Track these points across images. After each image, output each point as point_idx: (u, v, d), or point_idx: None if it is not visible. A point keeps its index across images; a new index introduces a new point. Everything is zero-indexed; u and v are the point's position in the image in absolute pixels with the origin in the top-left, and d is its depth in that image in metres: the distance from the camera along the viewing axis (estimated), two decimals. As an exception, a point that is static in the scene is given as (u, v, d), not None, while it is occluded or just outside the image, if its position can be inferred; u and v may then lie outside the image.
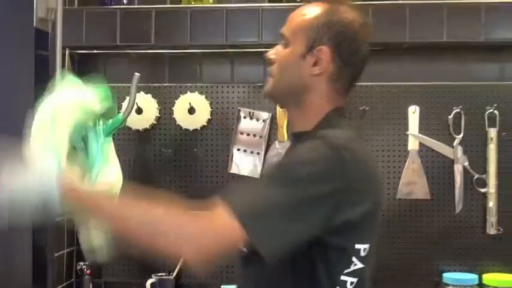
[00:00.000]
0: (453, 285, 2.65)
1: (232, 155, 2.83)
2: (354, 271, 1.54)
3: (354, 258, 1.54)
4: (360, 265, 1.55)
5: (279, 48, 1.70)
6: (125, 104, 2.80)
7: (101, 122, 1.89)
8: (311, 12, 1.66)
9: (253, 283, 1.65)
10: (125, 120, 1.92)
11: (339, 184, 1.47)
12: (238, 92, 2.86)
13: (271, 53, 1.70)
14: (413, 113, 2.78)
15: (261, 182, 1.49)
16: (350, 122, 1.73)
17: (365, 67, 1.69)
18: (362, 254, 1.55)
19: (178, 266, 2.78)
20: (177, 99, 2.86)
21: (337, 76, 1.64)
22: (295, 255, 1.50)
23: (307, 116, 1.65)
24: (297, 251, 1.49)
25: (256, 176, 2.81)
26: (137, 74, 1.95)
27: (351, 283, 1.54)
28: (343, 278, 1.53)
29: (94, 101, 1.85)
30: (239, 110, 2.84)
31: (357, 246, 1.54)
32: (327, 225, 1.47)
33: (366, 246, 1.55)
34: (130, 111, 1.95)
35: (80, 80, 1.89)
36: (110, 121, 1.89)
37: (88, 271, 2.80)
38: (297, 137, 1.69)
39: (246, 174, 2.83)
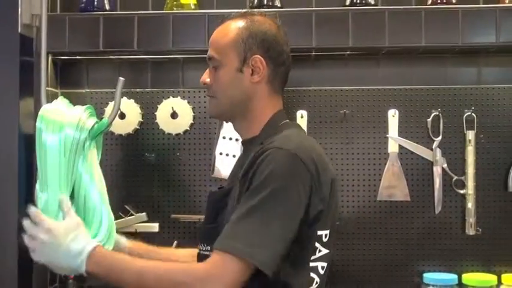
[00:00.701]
0: (433, 285, 2.69)
1: (215, 159, 2.86)
2: (321, 257, 1.71)
3: (317, 244, 1.69)
4: (324, 250, 1.71)
5: (211, 71, 1.86)
6: (107, 109, 2.82)
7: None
8: (232, 29, 1.83)
9: None
10: (110, 124, 1.93)
11: (305, 184, 1.63)
12: (221, 97, 2.88)
13: (205, 78, 1.87)
14: (393, 116, 2.82)
15: (241, 214, 1.60)
16: (290, 122, 1.89)
17: (291, 64, 1.90)
18: (324, 239, 1.71)
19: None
20: (159, 104, 2.88)
21: (273, 77, 1.83)
22: None
23: (253, 122, 1.83)
24: None
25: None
26: (122, 78, 1.96)
27: (322, 267, 1.72)
28: (312, 264, 1.69)
29: (85, 117, 1.89)
30: (221, 115, 2.86)
31: (319, 232, 1.69)
32: (302, 222, 1.64)
33: (327, 232, 1.72)
34: (115, 116, 1.96)
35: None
36: (96, 125, 1.90)
37: (71, 276, 2.80)
38: (247, 144, 1.85)
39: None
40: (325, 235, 1.71)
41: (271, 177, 1.60)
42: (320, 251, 1.70)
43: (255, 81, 1.80)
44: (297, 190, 1.61)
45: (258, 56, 1.79)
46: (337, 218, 1.82)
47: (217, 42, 1.84)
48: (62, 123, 1.85)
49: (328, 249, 1.73)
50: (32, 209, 1.75)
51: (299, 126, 1.94)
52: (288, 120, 1.87)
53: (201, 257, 1.80)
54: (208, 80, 1.86)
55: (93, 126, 1.90)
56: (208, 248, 1.76)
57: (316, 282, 1.71)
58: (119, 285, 1.65)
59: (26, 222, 1.74)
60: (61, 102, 1.94)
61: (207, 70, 1.89)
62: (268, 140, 1.72)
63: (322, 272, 1.72)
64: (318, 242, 1.69)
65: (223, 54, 1.81)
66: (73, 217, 1.75)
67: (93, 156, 1.92)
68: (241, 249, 1.55)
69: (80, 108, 1.92)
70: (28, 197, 2.02)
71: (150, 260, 1.80)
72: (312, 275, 1.70)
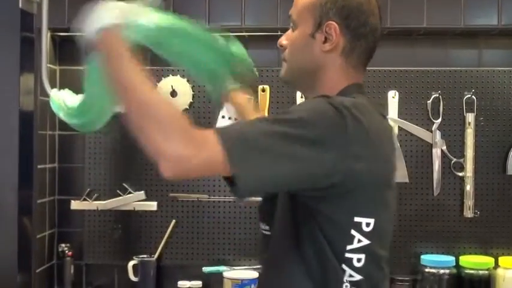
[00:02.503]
0: (430, 267, 2.71)
1: (214, 138, 2.85)
2: (359, 248, 1.51)
3: (354, 232, 1.50)
4: (365, 241, 1.51)
5: (289, 32, 1.69)
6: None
7: None
8: None
9: (266, 263, 1.67)
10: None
11: (335, 139, 1.43)
12: (220, 76, 2.87)
13: (282, 39, 1.69)
14: (393, 98, 2.82)
15: (260, 122, 1.44)
16: (364, 95, 1.64)
17: (378, 39, 1.66)
18: (366, 229, 1.50)
19: (159, 248, 2.81)
20: (159, 82, 2.86)
21: (350, 50, 1.61)
22: (297, 231, 1.52)
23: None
24: (297, 227, 1.52)
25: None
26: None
27: (358, 260, 1.51)
28: (348, 255, 1.51)
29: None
30: (221, 94, 2.85)
31: (357, 219, 1.50)
32: (319, 182, 1.44)
33: (370, 220, 1.50)
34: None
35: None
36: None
37: (69, 253, 2.81)
38: None
39: (227, 157, 2.85)
40: (367, 224, 1.50)
41: (300, 109, 1.46)
42: (360, 241, 1.50)
43: (325, 50, 1.60)
44: (319, 134, 1.41)
45: (333, 23, 1.58)
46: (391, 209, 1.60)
47: (298, 2, 1.67)
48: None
49: (371, 241, 1.51)
50: None
51: (375, 103, 1.70)
52: (363, 95, 1.63)
53: (263, 237, 1.68)
54: (285, 41, 1.68)
55: None
56: (268, 227, 1.66)
57: (351, 275, 1.51)
58: (113, 86, 1.50)
59: None
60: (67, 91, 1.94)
61: (288, 31, 1.71)
62: None
63: (357, 265, 1.52)
64: (355, 230, 1.50)
65: (299, 15, 1.64)
66: None
67: None
68: (235, 157, 1.36)
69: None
70: (28, 172, 2.01)
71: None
72: (344, 266, 1.51)
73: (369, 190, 1.50)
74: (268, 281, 1.66)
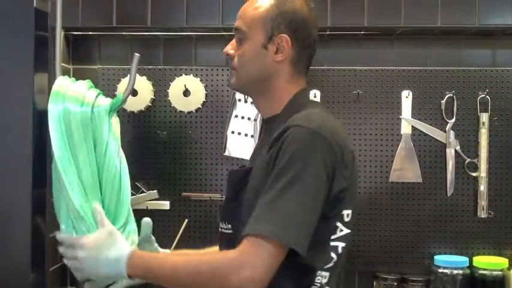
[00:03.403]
0: (444, 267, 2.70)
1: (227, 138, 2.85)
2: (341, 236, 1.70)
3: (338, 224, 1.69)
4: (345, 230, 1.70)
5: (234, 42, 1.84)
6: (119, 86, 2.82)
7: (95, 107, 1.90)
8: (263, 4, 1.80)
9: None
10: (125, 100, 1.92)
11: (328, 162, 1.61)
12: (233, 75, 2.86)
13: (229, 48, 1.84)
14: (407, 98, 2.81)
15: (269, 198, 1.58)
16: (313, 101, 1.95)
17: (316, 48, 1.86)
18: (346, 219, 1.70)
19: (172, 247, 2.81)
20: (172, 81, 2.87)
21: (297, 59, 1.80)
22: None
23: (275, 101, 1.81)
24: None
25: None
26: (137, 54, 1.95)
27: (342, 247, 1.70)
28: (332, 243, 1.69)
29: (84, 90, 1.88)
30: (234, 93, 2.85)
31: (342, 211, 1.69)
32: (325, 200, 1.63)
33: (349, 211, 1.71)
34: (130, 92, 1.95)
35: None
36: (110, 101, 1.89)
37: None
38: (269, 122, 1.83)
39: (239, 157, 2.84)
40: (347, 214, 1.70)
41: (295, 158, 1.58)
42: (341, 230, 1.69)
43: (277, 60, 1.77)
44: (321, 168, 1.59)
45: (285, 35, 1.76)
46: (356, 199, 1.79)
47: (246, 15, 1.81)
48: (64, 95, 1.85)
49: (349, 230, 1.71)
50: (59, 236, 1.87)
51: (322, 106, 1.92)
52: (311, 99, 1.86)
53: (222, 236, 1.79)
54: (232, 51, 1.83)
55: (96, 97, 1.89)
56: (229, 226, 1.75)
57: (334, 262, 1.69)
58: (159, 283, 1.67)
59: (60, 249, 1.83)
60: (65, 78, 1.94)
61: (232, 40, 1.85)
62: (291, 118, 1.68)
63: (340, 251, 1.70)
64: (339, 221, 1.68)
65: (250, 28, 1.79)
66: (105, 226, 1.77)
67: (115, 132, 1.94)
68: (274, 231, 1.53)
69: (81, 83, 1.92)
70: (42, 171, 2.02)
71: (184, 254, 1.79)
72: (332, 254, 1.68)
73: (349, 185, 1.69)
74: None
